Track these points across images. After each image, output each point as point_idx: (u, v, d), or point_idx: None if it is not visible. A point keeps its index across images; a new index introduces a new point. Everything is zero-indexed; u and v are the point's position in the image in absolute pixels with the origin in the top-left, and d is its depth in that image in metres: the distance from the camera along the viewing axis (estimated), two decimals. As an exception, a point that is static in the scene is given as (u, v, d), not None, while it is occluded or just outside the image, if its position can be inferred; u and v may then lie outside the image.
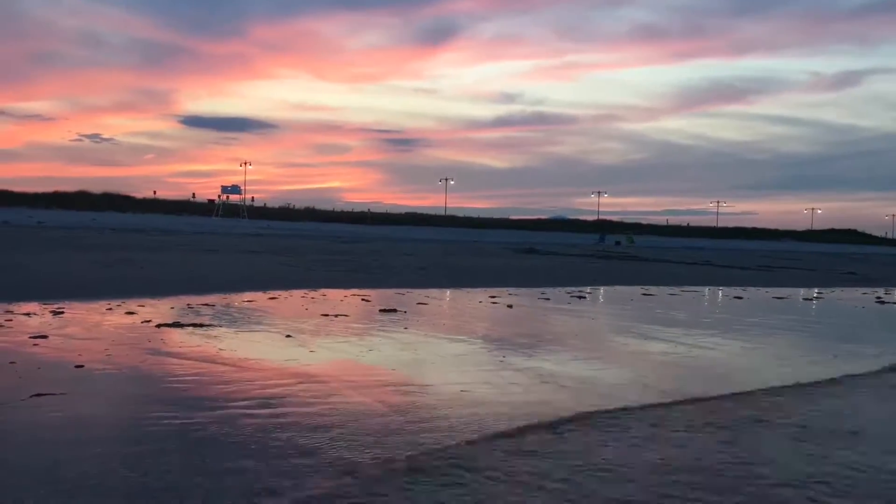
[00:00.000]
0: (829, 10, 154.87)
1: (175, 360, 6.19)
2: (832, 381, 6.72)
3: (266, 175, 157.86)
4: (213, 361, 6.22)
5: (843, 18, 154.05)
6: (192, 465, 3.68)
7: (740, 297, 15.42)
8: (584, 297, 13.72)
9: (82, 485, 3.37)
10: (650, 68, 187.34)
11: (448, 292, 13.85)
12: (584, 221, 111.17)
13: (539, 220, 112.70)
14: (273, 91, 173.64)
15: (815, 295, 17.51)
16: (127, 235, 28.41)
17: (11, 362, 5.77)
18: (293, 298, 11.26)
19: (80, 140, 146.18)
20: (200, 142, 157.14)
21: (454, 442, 4.26)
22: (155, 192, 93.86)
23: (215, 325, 8.12)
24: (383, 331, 8.37)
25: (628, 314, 11.53)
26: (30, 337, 6.84)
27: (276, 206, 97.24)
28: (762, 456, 4.27)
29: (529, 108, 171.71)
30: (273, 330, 8.07)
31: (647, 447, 4.34)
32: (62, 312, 8.48)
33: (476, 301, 12.13)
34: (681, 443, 4.46)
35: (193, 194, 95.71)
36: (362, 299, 11.47)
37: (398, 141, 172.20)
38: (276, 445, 4.04)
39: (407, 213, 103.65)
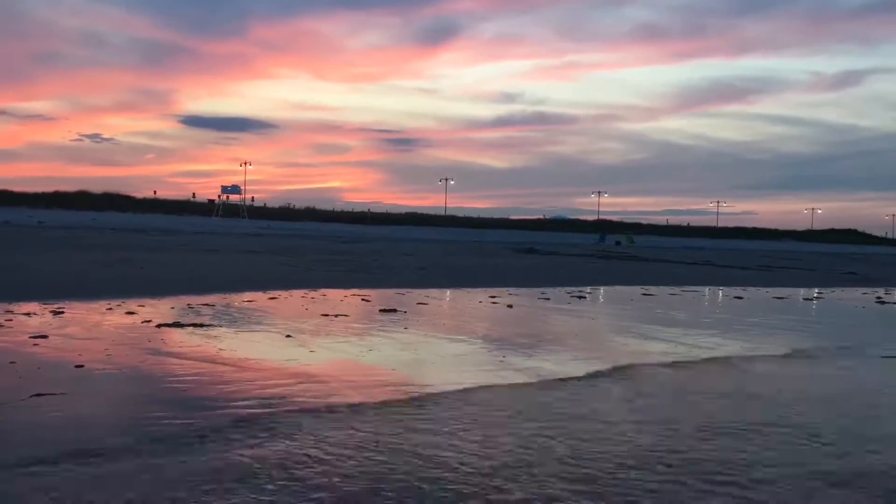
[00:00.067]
0: (829, 10, 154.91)
1: (175, 360, 6.20)
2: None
3: (266, 175, 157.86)
4: (214, 361, 6.22)
5: (843, 18, 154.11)
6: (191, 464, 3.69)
7: (740, 297, 15.42)
8: (585, 297, 13.72)
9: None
10: (650, 68, 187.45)
11: (448, 292, 13.86)
12: (585, 221, 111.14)
13: (539, 220, 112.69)
14: (273, 91, 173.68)
15: (815, 295, 17.51)
16: (127, 235, 28.42)
17: (11, 362, 5.77)
18: (293, 298, 11.27)
19: (80, 140, 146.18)
20: (200, 142, 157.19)
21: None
22: (155, 192, 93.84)
23: (215, 325, 8.12)
24: (383, 331, 8.37)
25: (628, 314, 11.53)
26: (30, 337, 6.85)
27: (276, 206, 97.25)
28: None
29: (530, 108, 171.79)
30: (273, 330, 8.08)
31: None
32: (62, 312, 8.48)
33: (476, 301, 12.14)
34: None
35: (193, 194, 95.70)
36: (362, 299, 11.48)
37: (398, 141, 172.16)
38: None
39: (407, 213, 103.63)
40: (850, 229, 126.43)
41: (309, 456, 3.89)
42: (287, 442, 4.12)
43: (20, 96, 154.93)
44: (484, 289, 14.25)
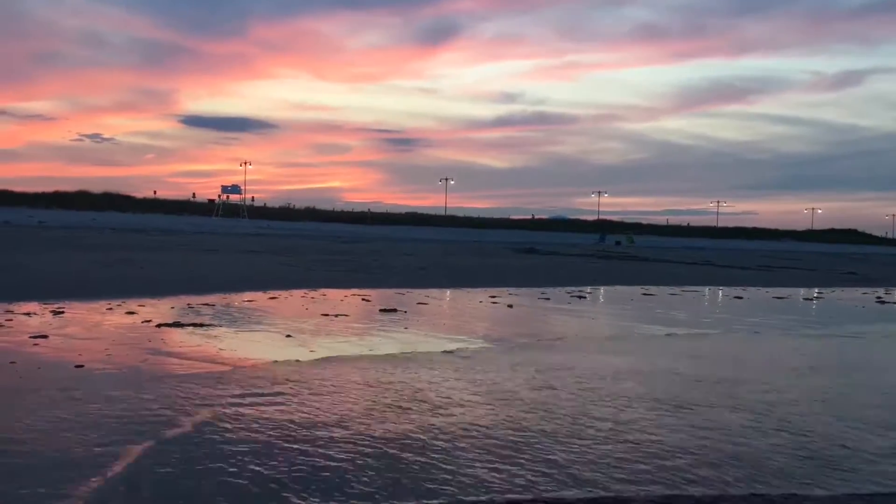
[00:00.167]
0: (829, 10, 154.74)
1: (175, 360, 6.20)
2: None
3: (266, 175, 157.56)
4: (214, 361, 6.22)
5: (843, 18, 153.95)
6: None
7: (740, 297, 15.42)
8: (585, 297, 13.72)
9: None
10: (651, 68, 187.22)
11: (448, 292, 13.86)
12: (585, 221, 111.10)
13: (539, 219, 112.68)
14: (273, 91, 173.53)
15: (815, 295, 17.52)
16: (127, 235, 28.43)
17: (11, 362, 5.77)
18: (293, 298, 11.27)
19: (80, 140, 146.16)
20: (201, 142, 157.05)
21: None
22: (155, 192, 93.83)
23: (215, 325, 8.12)
24: (383, 331, 8.37)
25: (628, 314, 11.53)
26: (30, 337, 6.85)
27: (276, 206, 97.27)
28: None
29: (530, 108, 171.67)
30: (273, 330, 8.08)
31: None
32: (62, 312, 8.48)
33: (476, 301, 12.14)
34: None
35: (193, 194, 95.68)
36: (362, 299, 11.48)
37: (398, 141, 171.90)
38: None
39: (407, 213, 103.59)
40: (850, 229, 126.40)
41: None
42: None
43: (20, 96, 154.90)
44: (484, 289, 14.25)
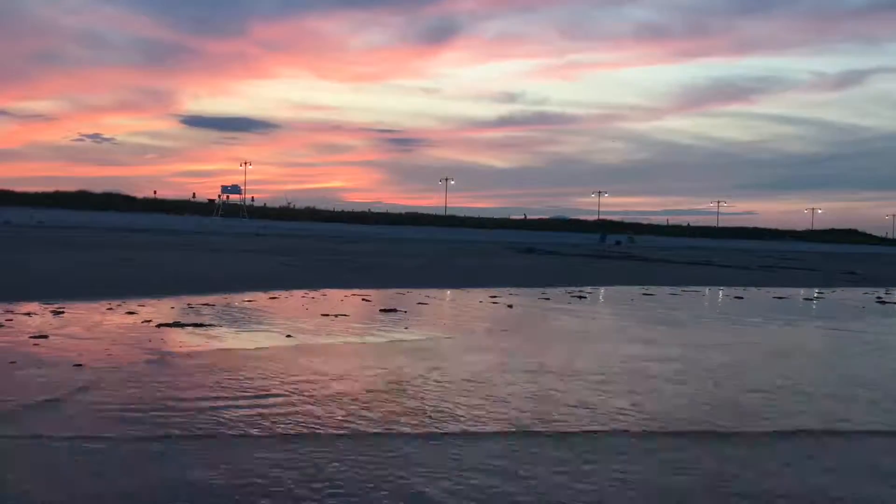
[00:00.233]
0: (832, 10, 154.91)
1: (175, 360, 6.19)
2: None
3: (267, 175, 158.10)
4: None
5: (846, 17, 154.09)
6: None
7: (741, 297, 15.41)
8: (585, 298, 13.71)
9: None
10: (653, 68, 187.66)
11: (448, 292, 13.85)
12: (585, 221, 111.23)
13: (540, 219, 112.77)
14: (274, 90, 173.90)
15: (815, 295, 17.50)
16: (127, 235, 28.43)
17: (11, 362, 5.77)
18: (293, 298, 11.26)
19: (81, 140, 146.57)
20: (201, 141, 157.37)
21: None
22: (155, 192, 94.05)
23: (216, 325, 8.12)
24: (384, 331, 8.37)
25: (628, 314, 11.52)
26: (30, 337, 6.84)
27: (277, 205, 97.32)
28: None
29: (531, 108, 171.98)
30: (274, 330, 8.07)
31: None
32: (62, 312, 8.48)
33: (476, 301, 12.13)
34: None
35: (194, 194, 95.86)
36: (363, 299, 11.47)
37: (400, 140, 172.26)
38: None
39: (408, 213, 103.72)
40: (850, 229, 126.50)
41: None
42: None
43: (21, 96, 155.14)
44: (484, 289, 14.24)
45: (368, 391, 5.33)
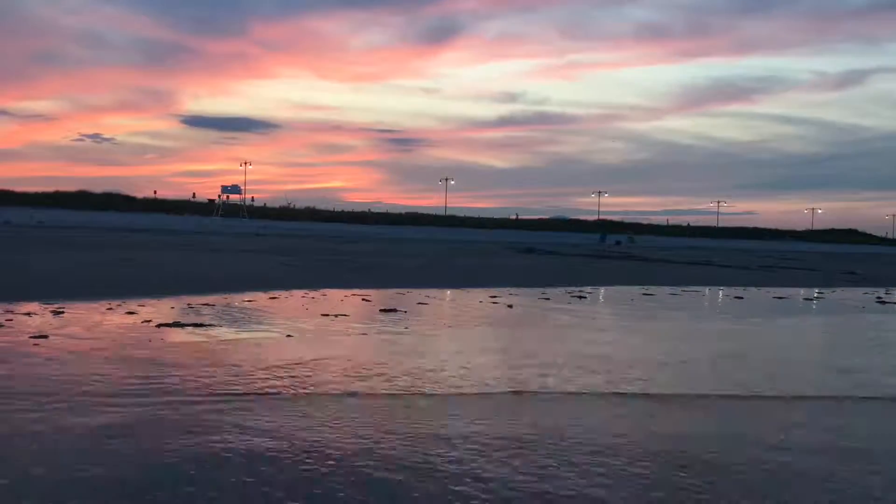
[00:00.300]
0: (833, 9, 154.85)
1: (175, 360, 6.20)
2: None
3: (267, 175, 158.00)
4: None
5: (847, 17, 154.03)
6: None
7: (741, 297, 15.41)
8: (585, 297, 13.71)
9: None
10: (653, 67, 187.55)
11: (448, 292, 13.85)
12: (585, 221, 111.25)
13: (540, 219, 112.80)
14: (275, 90, 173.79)
15: (815, 295, 17.50)
16: (127, 235, 28.43)
17: (11, 362, 5.76)
18: (293, 298, 11.26)
19: (81, 140, 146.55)
20: (201, 141, 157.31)
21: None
22: (155, 192, 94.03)
23: (216, 325, 8.12)
24: (384, 331, 8.37)
25: (629, 314, 11.52)
26: (30, 337, 6.85)
27: (277, 205, 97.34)
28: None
29: (532, 108, 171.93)
30: (274, 330, 8.07)
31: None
32: (62, 312, 8.48)
33: (476, 301, 12.13)
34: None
35: (194, 194, 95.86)
36: (363, 299, 11.47)
37: (400, 140, 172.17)
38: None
39: (408, 213, 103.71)
40: (850, 229, 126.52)
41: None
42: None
43: (21, 96, 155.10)
44: (484, 289, 14.24)
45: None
